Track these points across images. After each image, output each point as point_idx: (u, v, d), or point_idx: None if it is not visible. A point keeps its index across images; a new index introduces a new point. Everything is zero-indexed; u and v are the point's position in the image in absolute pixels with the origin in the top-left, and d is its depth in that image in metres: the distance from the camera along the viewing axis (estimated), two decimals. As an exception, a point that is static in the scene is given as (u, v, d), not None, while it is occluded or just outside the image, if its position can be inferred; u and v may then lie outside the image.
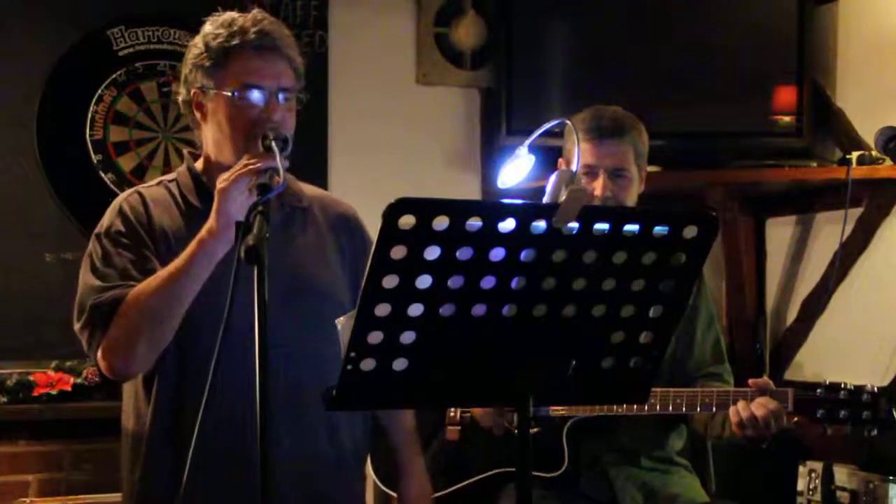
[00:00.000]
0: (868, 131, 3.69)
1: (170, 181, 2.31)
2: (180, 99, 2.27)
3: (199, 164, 2.30)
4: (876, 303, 3.78)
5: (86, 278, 2.18)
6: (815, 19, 3.99)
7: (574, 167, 2.57)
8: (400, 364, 1.62)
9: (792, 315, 4.16)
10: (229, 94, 2.15)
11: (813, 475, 3.65)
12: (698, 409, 2.52)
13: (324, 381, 2.18)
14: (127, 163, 4.07)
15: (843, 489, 3.56)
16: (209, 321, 2.00)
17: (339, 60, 4.32)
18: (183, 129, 4.12)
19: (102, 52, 4.07)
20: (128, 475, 2.24)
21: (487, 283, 1.57)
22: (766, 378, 2.49)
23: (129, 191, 2.30)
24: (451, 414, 2.85)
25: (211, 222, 2.04)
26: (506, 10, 4.18)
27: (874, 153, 3.63)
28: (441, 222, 1.49)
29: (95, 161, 4.04)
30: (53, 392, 3.77)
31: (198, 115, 2.24)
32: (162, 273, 2.09)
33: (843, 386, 2.40)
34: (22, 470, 3.80)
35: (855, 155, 3.71)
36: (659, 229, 1.60)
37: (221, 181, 2.03)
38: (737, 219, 4.13)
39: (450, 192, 4.31)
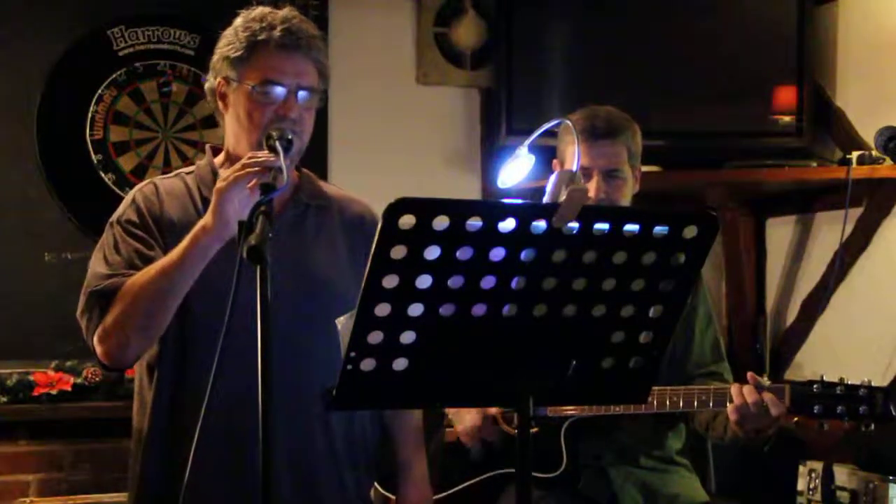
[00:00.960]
0: (868, 131, 3.69)
1: (187, 173, 2.34)
2: (206, 86, 2.30)
3: (219, 159, 2.32)
4: (876, 303, 3.78)
5: (93, 265, 2.22)
6: (815, 19, 4.00)
7: (570, 167, 2.57)
8: (400, 364, 1.62)
9: (792, 315, 4.16)
10: (249, 87, 2.18)
11: (813, 475, 3.65)
12: (695, 406, 2.52)
13: (328, 381, 2.20)
14: (127, 163, 4.08)
15: (843, 489, 3.56)
16: (211, 316, 2.01)
17: (339, 60, 4.30)
18: (183, 129, 4.13)
19: (102, 52, 4.07)
20: (132, 468, 2.28)
21: (487, 283, 1.58)
22: (763, 378, 2.49)
23: (145, 181, 2.33)
24: (451, 415, 2.85)
25: (206, 219, 2.05)
26: (506, 10, 4.18)
27: (874, 153, 3.64)
28: (441, 222, 1.50)
29: (95, 161, 4.04)
30: (53, 392, 3.77)
31: (221, 104, 2.27)
32: (156, 265, 2.11)
33: (839, 382, 2.41)
34: (22, 470, 3.80)
35: (855, 155, 3.71)
36: (659, 229, 1.60)
37: (221, 180, 2.04)
38: (737, 219, 4.14)
39: (450, 191, 4.31)
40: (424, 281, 1.54)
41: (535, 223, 1.55)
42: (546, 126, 2.34)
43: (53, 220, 3.97)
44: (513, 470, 1.72)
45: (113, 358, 2.16)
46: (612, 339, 1.70)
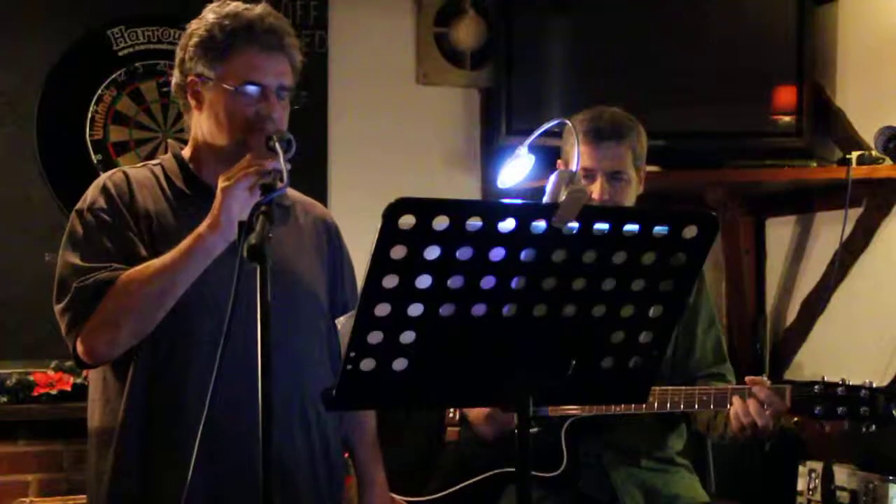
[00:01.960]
0: (868, 131, 3.69)
1: (154, 165, 2.29)
2: (173, 81, 2.25)
3: (185, 152, 2.28)
4: (876, 303, 3.78)
5: (66, 256, 2.15)
6: (815, 19, 4.00)
7: (573, 168, 2.57)
8: (400, 364, 1.62)
9: (792, 315, 4.16)
10: (230, 87, 2.15)
11: (813, 475, 3.65)
12: (696, 407, 2.52)
13: (301, 376, 2.19)
14: (127, 163, 4.05)
15: (843, 489, 3.56)
16: (200, 315, 2.01)
17: (339, 60, 4.33)
18: (183, 128, 4.12)
19: (102, 52, 4.08)
20: (94, 470, 2.19)
21: (487, 283, 1.57)
22: (763, 378, 2.49)
23: (113, 170, 2.27)
24: (451, 415, 2.85)
25: (212, 219, 2.03)
26: (506, 10, 4.19)
27: (874, 153, 3.63)
28: (441, 222, 1.49)
29: (95, 161, 4.04)
30: (53, 392, 3.77)
31: (192, 102, 2.22)
32: (156, 263, 2.08)
33: (840, 383, 2.41)
34: (22, 470, 3.80)
35: (855, 155, 3.71)
36: (659, 229, 1.60)
37: (224, 180, 2.02)
38: (737, 219, 4.14)
39: (450, 191, 4.31)
40: (424, 281, 1.54)
41: (534, 223, 1.55)
42: (546, 126, 2.34)
43: (53, 220, 3.96)
44: (513, 469, 1.72)
45: (98, 354, 2.12)
46: (611, 339, 1.70)
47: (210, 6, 2.22)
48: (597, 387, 1.78)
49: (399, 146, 4.36)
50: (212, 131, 2.20)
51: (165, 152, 2.51)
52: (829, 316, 3.96)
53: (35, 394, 3.76)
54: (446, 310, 1.58)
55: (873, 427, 2.39)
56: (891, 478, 3.42)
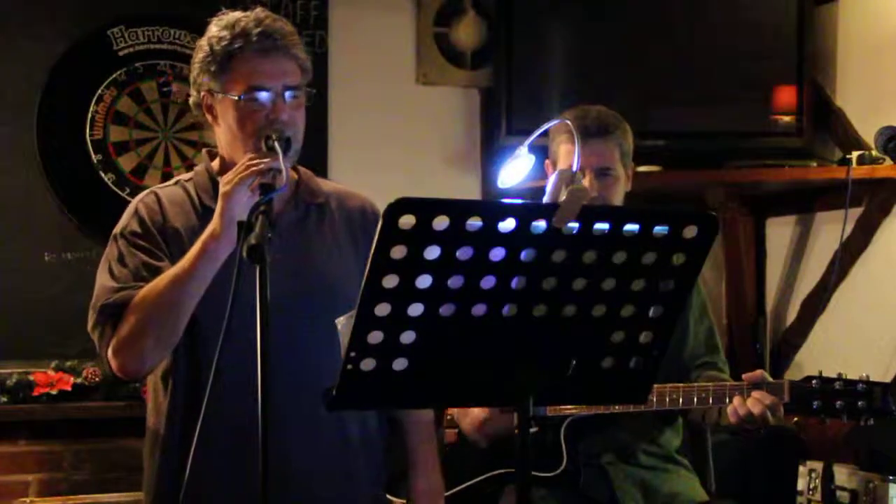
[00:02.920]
0: (868, 131, 3.69)
1: (186, 181, 2.32)
2: (191, 101, 2.29)
3: (215, 164, 2.31)
4: (876, 303, 3.78)
5: (101, 279, 2.21)
6: (815, 19, 4.00)
7: (562, 167, 2.58)
8: (400, 364, 1.62)
9: (792, 315, 4.16)
10: (235, 97, 2.17)
11: (813, 475, 3.65)
12: (695, 403, 2.53)
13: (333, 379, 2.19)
14: (127, 163, 4.07)
15: (843, 489, 3.56)
16: (215, 320, 2.01)
17: (339, 60, 4.32)
18: (183, 128, 4.13)
19: (102, 52, 4.07)
20: (147, 467, 2.28)
21: (487, 283, 1.57)
22: (761, 371, 2.50)
23: (146, 191, 2.32)
24: (449, 416, 2.85)
25: (214, 224, 2.05)
26: (506, 10, 4.18)
27: (874, 153, 3.64)
28: (441, 222, 1.50)
29: (95, 161, 4.04)
30: (53, 392, 3.77)
31: (209, 117, 2.26)
32: (167, 274, 2.11)
33: (837, 377, 2.42)
34: (22, 470, 3.79)
35: (855, 155, 3.72)
36: (659, 229, 1.60)
37: (224, 184, 2.04)
38: (737, 219, 4.14)
39: (450, 191, 4.31)
40: (424, 281, 1.54)
41: (535, 223, 1.55)
42: (546, 126, 2.35)
43: (53, 220, 3.97)
44: (513, 469, 1.72)
45: (130, 370, 2.17)
46: (612, 339, 1.70)
47: (213, 18, 2.24)
48: (597, 387, 1.78)
49: (399, 146, 4.36)
50: (229, 142, 2.23)
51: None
52: (829, 316, 3.96)
53: (35, 394, 3.76)
54: (446, 310, 1.58)
55: (871, 420, 2.40)
56: (891, 478, 3.42)
